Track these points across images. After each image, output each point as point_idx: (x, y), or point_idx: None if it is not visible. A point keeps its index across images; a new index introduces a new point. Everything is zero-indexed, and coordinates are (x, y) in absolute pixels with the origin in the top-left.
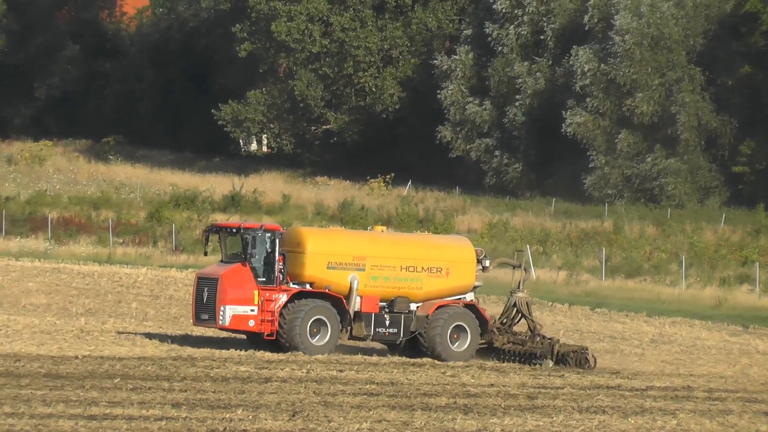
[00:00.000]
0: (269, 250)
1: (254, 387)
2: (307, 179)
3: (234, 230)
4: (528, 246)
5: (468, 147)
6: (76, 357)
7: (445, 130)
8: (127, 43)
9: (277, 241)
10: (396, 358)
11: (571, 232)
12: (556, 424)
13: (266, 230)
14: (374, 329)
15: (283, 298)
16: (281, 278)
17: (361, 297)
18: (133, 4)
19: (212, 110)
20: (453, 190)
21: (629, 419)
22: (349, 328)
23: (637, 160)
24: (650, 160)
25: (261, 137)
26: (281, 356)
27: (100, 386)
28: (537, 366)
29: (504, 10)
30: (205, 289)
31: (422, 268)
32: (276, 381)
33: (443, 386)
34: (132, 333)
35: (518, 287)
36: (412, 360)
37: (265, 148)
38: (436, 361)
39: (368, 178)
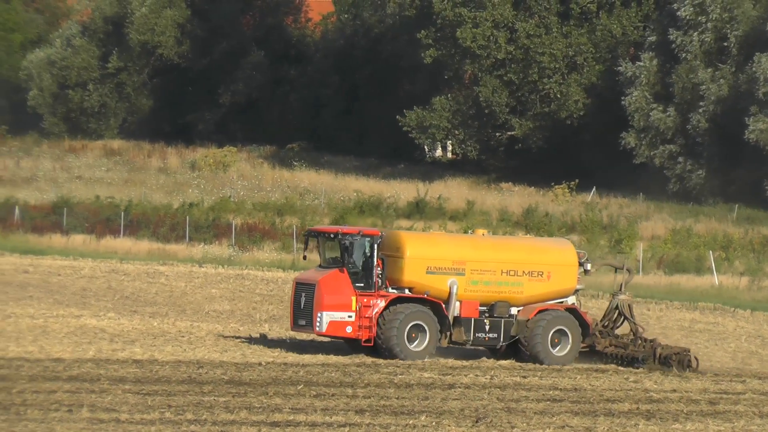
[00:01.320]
0: (368, 255)
1: (438, 393)
2: (491, 185)
3: (332, 235)
4: (711, 252)
5: (652, 153)
6: (260, 363)
7: (629, 137)
8: (312, 49)
9: (376, 246)
10: (579, 365)
11: (753, 238)
12: (737, 429)
13: (364, 235)
14: (474, 334)
15: (381, 303)
16: (380, 283)
17: (460, 302)
18: (318, 11)
19: (397, 116)
20: (636, 197)
21: None
22: (448, 333)
23: None
24: None
25: (446, 143)
26: (465, 362)
27: (284, 393)
28: (639, 369)
29: (688, 17)
30: (303, 295)
31: (523, 271)
32: (459, 387)
33: (626, 392)
34: (315, 339)
35: (620, 289)
36: (596, 366)
37: (449, 155)
38: (619, 368)
39: (552, 184)
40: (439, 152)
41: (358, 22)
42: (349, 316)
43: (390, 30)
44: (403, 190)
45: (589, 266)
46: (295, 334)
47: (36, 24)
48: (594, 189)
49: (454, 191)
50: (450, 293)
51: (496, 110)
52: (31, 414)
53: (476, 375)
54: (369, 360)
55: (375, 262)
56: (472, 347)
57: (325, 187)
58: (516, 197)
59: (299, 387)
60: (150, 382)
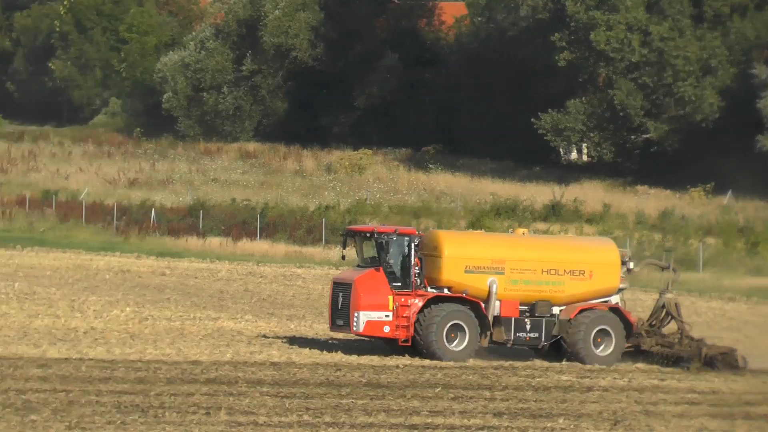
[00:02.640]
0: (405, 255)
1: (576, 396)
2: (627, 188)
3: (368, 234)
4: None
5: None
6: (397, 366)
7: (764, 140)
8: (446, 52)
9: (413, 245)
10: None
11: None
12: None
13: (401, 234)
14: (515, 334)
15: (419, 303)
16: (418, 283)
17: (500, 301)
18: (452, 13)
19: (532, 119)
20: None
21: None
22: (488, 333)
23: None
24: None
25: (581, 146)
26: (602, 365)
27: (422, 395)
28: (686, 369)
29: None
30: (340, 295)
31: (564, 270)
32: (597, 390)
33: (765, 395)
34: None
35: (667, 288)
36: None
37: (585, 157)
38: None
39: (688, 186)
40: (574, 155)
41: (491, 24)
42: (387, 316)
43: (524, 33)
44: (539, 193)
45: (631, 265)
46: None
47: (170, 27)
48: (730, 192)
49: (590, 194)
50: (489, 292)
51: (631, 113)
52: (169, 417)
53: (614, 378)
54: (507, 363)
55: (412, 262)
56: (514, 347)
57: (461, 189)
58: (652, 200)
59: (437, 389)
60: (288, 384)
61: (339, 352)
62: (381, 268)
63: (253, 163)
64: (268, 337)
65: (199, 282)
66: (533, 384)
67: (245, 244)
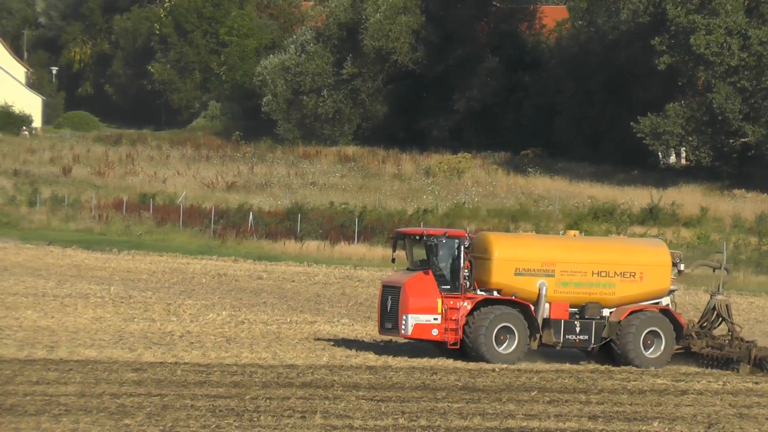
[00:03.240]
0: (454, 257)
1: (670, 399)
2: (725, 192)
3: (418, 237)
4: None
5: None
6: (493, 369)
7: None
8: (547, 56)
9: (462, 247)
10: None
11: None
12: None
13: (450, 237)
14: (564, 336)
15: (468, 306)
16: (467, 285)
17: (549, 303)
18: (553, 17)
19: (631, 123)
20: None
21: None
22: (537, 335)
23: None
24: None
25: (679, 150)
26: (697, 369)
27: (517, 399)
28: (735, 371)
29: None
30: (389, 298)
31: (615, 272)
32: (692, 393)
33: None
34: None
35: (718, 290)
36: None
37: (683, 161)
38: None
39: None
40: (672, 158)
41: (592, 28)
42: (435, 319)
43: (624, 36)
44: (636, 197)
45: (682, 267)
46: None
47: (270, 30)
48: None
49: (687, 198)
50: (539, 295)
51: (729, 117)
52: (264, 420)
53: (708, 381)
54: (602, 367)
55: (461, 264)
56: (564, 349)
57: (560, 193)
58: (749, 204)
59: (533, 393)
60: (384, 388)
61: (435, 355)
62: (430, 271)
63: (352, 167)
64: (365, 341)
65: (296, 286)
66: (628, 387)
67: (343, 248)
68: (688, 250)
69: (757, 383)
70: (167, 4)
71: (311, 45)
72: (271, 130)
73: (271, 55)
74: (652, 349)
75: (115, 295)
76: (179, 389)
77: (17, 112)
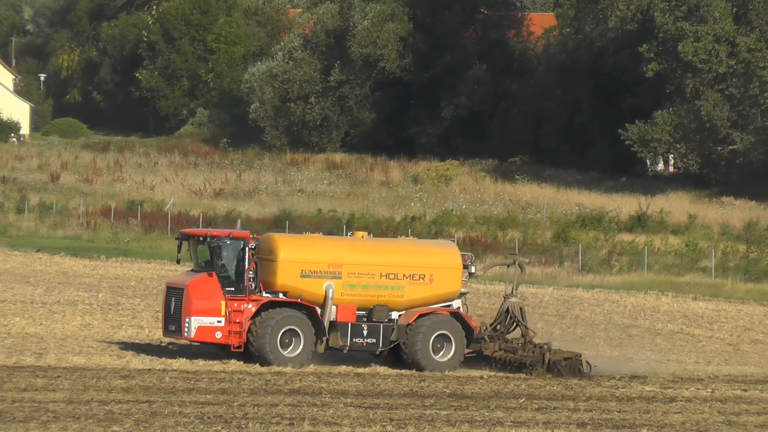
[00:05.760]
0: (238, 259)
1: (659, 407)
2: (713, 199)
3: (201, 238)
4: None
5: None
6: (482, 377)
7: None
8: (535, 63)
9: (247, 249)
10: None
11: None
12: None
13: (234, 238)
14: (351, 339)
15: (252, 308)
16: (252, 287)
17: (336, 306)
18: (541, 24)
19: (619, 130)
20: None
21: None
22: (324, 338)
23: None
24: None
25: (667, 157)
26: (685, 375)
27: (505, 406)
28: (529, 374)
29: None
30: (173, 299)
31: (403, 274)
32: (680, 401)
33: None
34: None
35: (512, 292)
36: None
37: (671, 168)
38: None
39: None
40: (660, 166)
41: (580, 36)
42: (219, 321)
43: (612, 44)
44: (624, 204)
45: (473, 269)
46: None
47: (257, 37)
48: None
49: (675, 205)
50: (326, 297)
51: (718, 124)
52: (253, 427)
53: (697, 388)
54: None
55: (246, 266)
56: (351, 353)
57: (547, 200)
58: (737, 211)
59: (521, 400)
60: (372, 395)
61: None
62: (214, 273)
63: (340, 174)
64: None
65: None
66: (617, 395)
67: None
68: (676, 257)
69: (745, 390)
70: (155, 11)
71: (299, 52)
72: (259, 137)
73: (259, 63)
74: (441, 353)
75: (104, 302)
76: (167, 396)
77: (5, 118)
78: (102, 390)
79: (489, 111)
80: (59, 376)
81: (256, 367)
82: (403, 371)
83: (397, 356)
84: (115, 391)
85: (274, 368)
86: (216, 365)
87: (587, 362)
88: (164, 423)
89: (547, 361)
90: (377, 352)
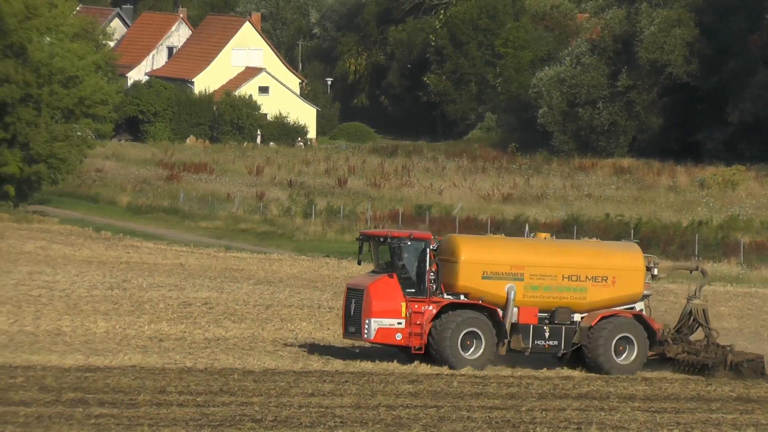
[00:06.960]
0: (419, 260)
1: None
2: None
3: (382, 239)
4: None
5: None
6: None
7: None
8: None
9: (428, 250)
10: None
11: None
12: None
13: (415, 239)
14: (533, 341)
15: (433, 310)
16: (433, 289)
17: (518, 308)
18: None
19: None
20: None
21: None
22: (505, 340)
23: None
24: None
25: None
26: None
27: None
28: (711, 377)
29: None
30: (353, 301)
31: (586, 276)
32: None
33: None
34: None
35: (695, 294)
36: None
37: None
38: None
39: None
40: None
41: None
42: (399, 323)
43: None
44: None
45: (656, 271)
46: None
47: (545, 42)
48: None
49: None
50: (507, 299)
51: None
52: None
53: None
54: None
55: (427, 267)
56: (533, 355)
57: None
58: None
59: None
60: (659, 399)
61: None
62: (395, 274)
63: (627, 179)
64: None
65: None
66: None
67: None
68: None
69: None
70: (442, 15)
71: (586, 57)
72: (547, 142)
73: (547, 67)
74: (624, 356)
75: None
76: (455, 401)
77: (292, 122)
78: (390, 395)
79: None
80: (346, 381)
81: (544, 372)
82: (689, 375)
83: (579, 358)
84: (403, 396)
85: (562, 372)
86: (504, 370)
87: None
88: (452, 428)
89: (729, 362)
90: (559, 355)
